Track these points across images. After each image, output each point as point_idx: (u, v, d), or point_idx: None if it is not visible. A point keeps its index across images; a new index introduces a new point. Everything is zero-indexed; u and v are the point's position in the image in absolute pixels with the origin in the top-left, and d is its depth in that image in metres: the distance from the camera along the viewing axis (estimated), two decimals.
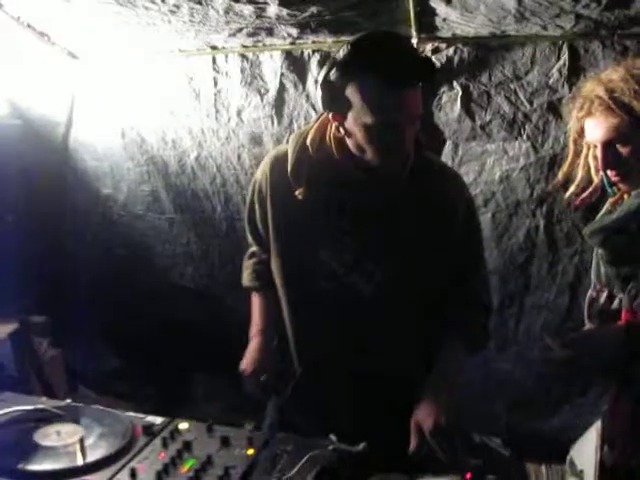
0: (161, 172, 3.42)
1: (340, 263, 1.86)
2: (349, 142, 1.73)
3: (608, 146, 1.67)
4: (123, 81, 3.27)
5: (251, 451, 1.72)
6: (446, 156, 2.96)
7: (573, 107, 1.76)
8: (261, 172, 1.97)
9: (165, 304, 3.65)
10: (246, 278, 2.20)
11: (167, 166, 3.40)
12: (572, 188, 1.88)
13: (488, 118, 2.86)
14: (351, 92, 1.62)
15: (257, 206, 1.99)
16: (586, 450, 2.30)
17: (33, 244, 3.56)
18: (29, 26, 2.81)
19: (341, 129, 1.71)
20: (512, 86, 2.79)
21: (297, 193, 1.80)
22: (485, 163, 2.94)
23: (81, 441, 1.75)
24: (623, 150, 1.66)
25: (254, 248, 2.14)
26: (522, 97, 2.78)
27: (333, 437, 1.72)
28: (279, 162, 1.90)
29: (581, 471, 2.25)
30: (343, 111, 1.67)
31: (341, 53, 1.63)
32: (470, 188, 2.87)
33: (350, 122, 1.67)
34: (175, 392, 3.71)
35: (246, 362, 2.06)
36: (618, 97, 1.61)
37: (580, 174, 1.85)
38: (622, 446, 1.89)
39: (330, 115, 1.72)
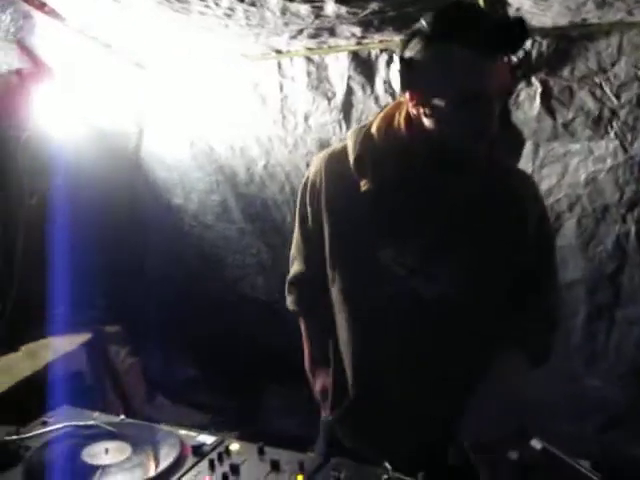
0: (230, 181, 3.40)
1: (402, 265, 1.72)
2: (427, 122, 1.60)
3: None
4: (189, 89, 3.28)
5: (300, 477, 1.62)
6: (526, 158, 2.80)
7: None
8: (315, 170, 1.83)
9: (238, 315, 3.63)
10: (291, 300, 2.05)
11: (236, 175, 3.38)
12: None
13: (571, 116, 2.70)
14: (435, 64, 1.51)
15: (308, 207, 1.84)
16: None
17: (107, 255, 3.60)
18: (94, 38, 2.82)
19: (420, 108, 1.60)
20: (597, 79, 2.62)
21: (362, 184, 1.68)
22: (569, 164, 2.78)
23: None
24: None
25: (297, 269, 1.99)
26: (608, 91, 2.61)
27: (388, 465, 1.60)
28: (335, 159, 1.79)
29: None
30: (425, 87, 1.55)
31: (422, 24, 1.53)
32: (553, 191, 2.81)
33: (433, 97, 1.56)
34: (250, 404, 3.70)
35: (317, 393, 2.04)
36: None
37: None
38: None
39: (407, 95, 1.59)
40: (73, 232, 3.01)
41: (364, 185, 1.68)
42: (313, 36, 2.67)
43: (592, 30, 2.53)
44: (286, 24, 2.46)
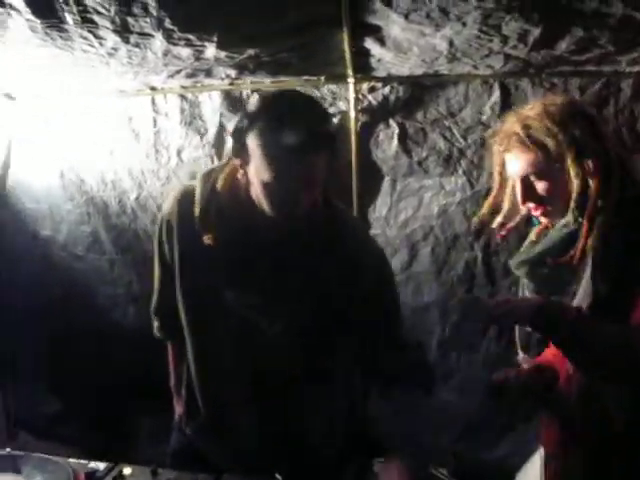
0: (101, 213, 3.38)
1: (244, 305, 1.88)
2: (251, 190, 1.75)
3: (526, 180, 1.73)
4: (62, 122, 3.24)
5: None
6: (384, 192, 3.02)
7: (494, 142, 1.82)
8: (169, 209, 1.96)
9: (107, 346, 3.58)
10: (157, 327, 2.23)
11: (107, 207, 3.36)
12: (499, 218, 1.93)
13: (424, 154, 2.93)
14: (253, 144, 1.64)
15: (165, 244, 1.97)
16: (530, 476, 2.35)
17: None
18: None
19: (245, 177, 1.74)
20: (447, 123, 2.87)
21: (205, 238, 1.80)
22: (423, 198, 2.99)
23: None
24: (540, 184, 1.72)
25: (157, 299, 2.15)
26: (457, 133, 2.87)
27: (279, 477, 1.73)
28: (186, 201, 1.90)
29: None
30: (247, 160, 1.69)
31: (251, 105, 1.68)
32: (409, 223, 3.00)
33: (251, 172, 1.70)
34: (119, 435, 3.64)
35: (178, 412, 2.22)
36: (533, 133, 1.67)
37: (507, 205, 1.91)
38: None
39: (237, 162, 1.74)
40: None
41: (207, 239, 1.80)
42: (190, 76, 2.75)
43: (443, 80, 2.77)
44: (166, 65, 2.53)
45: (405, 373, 1.95)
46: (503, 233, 1.95)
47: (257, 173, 1.67)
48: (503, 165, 1.83)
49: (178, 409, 2.23)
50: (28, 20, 2.15)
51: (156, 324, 2.22)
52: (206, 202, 1.82)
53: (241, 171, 1.74)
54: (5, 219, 3.53)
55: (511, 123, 1.75)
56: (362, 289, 1.88)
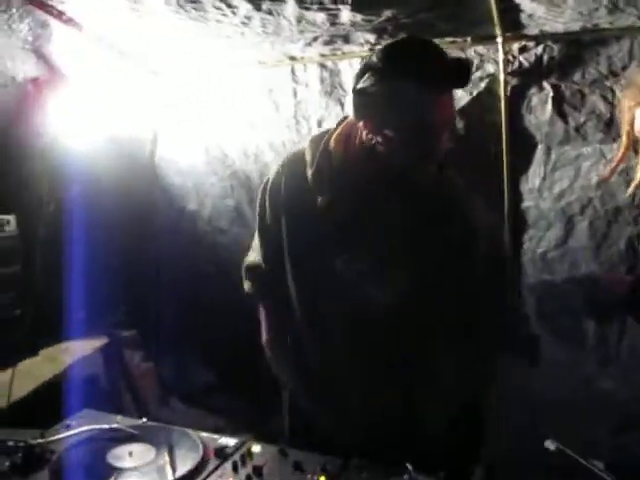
0: (244, 186, 3.43)
1: (354, 271, 1.80)
2: (380, 149, 1.69)
3: None
4: (204, 96, 3.31)
5: (323, 478, 1.66)
6: (538, 161, 2.84)
7: (625, 97, 1.70)
8: (276, 173, 1.94)
9: (251, 318, 3.63)
10: (251, 288, 2.18)
11: (250, 180, 3.40)
12: (631, 188, 1.95)
13: (583, 119, 2.73)
14: (385, 97, 1.60)
15: (268, 208, 1.95)
16: None
17: (124, 261, 3.64)
18: (111, 46, 2.86)
19: (373, 136, 1.68)
20: (608, 83, 2.64)
21: (319, 201, 1.78)
22: (580, 167, 2.79)
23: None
24: None
25: (256, 259, 2.10)
26: (620, 95, 2.61)
27: (409, 466, 1.63)
28: (294, 165, 1.88)
29: None
30: (377, 117, 1.64)
31: (373, 59, 1.63)
32: (565, 194, 2.82)
33: (384, 127, 1.64)
34: (265, 405, 3.70)
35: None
36: None
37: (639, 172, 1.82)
38: None
39: (362, 123, 1.68)
40: (90, 238, 3.04)
41: (321, 201, 1.77)
42: (327, 43, 2.71)
43: (603, 35, 2.56)
44: (301, 32, 2.49)
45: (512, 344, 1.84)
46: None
47: (393, 123, 1.62)
48: (632, 123, 1.68)
49: (275, 368, 2.22)
50: None
51: (248, 283, 2.19)
52: (319, 162, 1.79)
53: (365, 131, 1.68)
54: (155, 194, 3.66)
55: None
56: (476, 262, 1.82)
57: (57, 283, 2.96)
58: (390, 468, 1.67)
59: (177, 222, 3.68)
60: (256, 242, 2.09)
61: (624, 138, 1.79)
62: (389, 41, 1.65)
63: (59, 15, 2.54)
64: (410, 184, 1.74)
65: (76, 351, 3.23)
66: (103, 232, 3.25)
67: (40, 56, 2.78)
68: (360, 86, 1.65)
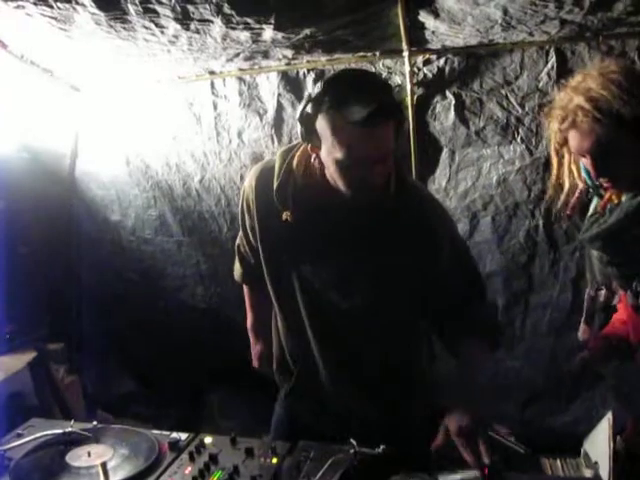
0: (167, 196, 3.50)
1: (319, 280, 1.93)
2: (326, 172, 1.78)
3: (599, 155, 1.63)
4: (125, 110, 3.35)
5: (275, 460, 1.78)
6: (443, 163, 3.04)
7: (551, 119, 1.73)
8: (248, 185, 2.01)
9: (178, 325, 3.70)
10: (237, 273, 2.30)
11: (172, 190, 3.47)
12: (562, 197, 1.87)
13: (482, 124, 2.94)
14: (322, 127, 1.66)
15: (246, 215, 2.04)
16: (599, 442, 2.36)
17: (46, 274, 3.63)
18: (32, 63, 2.89)
19: (318, 160, 1.77)
20: (503, 91, 2.86)
21: (283, 215, 1.85)
22: (482, 168, 3.01)
23: (103, 464, 1.79)
24: (613, 157, 1.62)
25: (244, 247, 2.19)
26: (513, 101, 2.86)
27: (353, 441, 1.77)
28: (265, 177, 1.93)
29: (595, 462, 2.31)
30: (317, 144, 1.71)
31: (315, 89, 1.68)
32: (469, 193, 3.01)
33: (323, 155, 1.72)
34: (192, 411, 3.75)
35: (254, 357, 2.30)
36: (603, 106, 1.56)
37: (567, 183, 1.85)
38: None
39: (309, 146, 1.77)
40: (11, 252, 3.04)
41: (285, 216, 1.84)
42: (248, 59, 2.82)
43: (498, 49, 2.77)
44: (225, 49, 2.60)
45: (474, 326, 1.95)
46: (569, 212, 1.89)
47: (329, 153, 1.68)
48: (563, 143, 1.75)
49: (254, 350, 2.32)
50: (93, 14, 2.26)
51: (238, 269, 2.29)
52: (283, 179, 1.86)
53: (313, 154, 1.77)
54: (76, 207, 3.68)
55: (569, 98, 1.64)
56: (439, 260, 1.89)
57: None
58: (336, 445, 1.79)
59: (100, 233, 3.70)
60: (241, 234, 2.18)
61: (554, 156, 1.84)
62: (334, 72, 1.72)
63: None
64: (361, 203, 1.79)
65: (5, 366, 3.20)
66: (24, 246, 3.26)
67: None
68: (300, 113, 1.71)
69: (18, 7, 2.26)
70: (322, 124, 1.66)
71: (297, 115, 1.74)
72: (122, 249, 3.70)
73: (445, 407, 1.86)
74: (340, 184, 1.74)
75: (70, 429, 2.03)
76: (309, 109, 1.69)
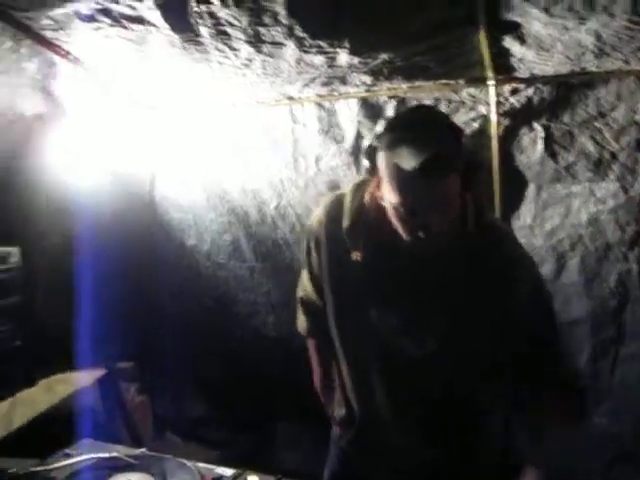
0: (242, 222, 3.48)
1: (389, 326, 1.79)
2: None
3: None
4: (203, 133, 3.38)
5: None
6: (529, 199, 2.88)
7: None
8: (317, 221, 1.90)
9: (249, 352, 3.66)
10: (302, 326, 2.18)
11: (248, 216, 3.45)
12: None
13: (572, 159, 2.77)
14: (380, 166, 1.56)
15: (313, 253, 1.93)
16: None
17: (121, 293, 3.67)
18: (112, 83, 2.94)
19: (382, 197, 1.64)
20: (597, 124, 2.70)
21: (353, 255, 1.74)
22: (571, 205, 2.83)
23: None
24: None
25: (309, 292, 2.07)
26: (608, 136, 2.68)
27: None
28: (335, 213, 1.83)
29: None
30: (379, 180, 1.60)
31: (382, 126, 1.58)
32: (556, 232, 2.85)
33: (384, 193, 1.59)
34: (260, 440, 3.71)
35: (334, 423, 2.12)
36: None
37: None
38: None
39: (374, 181, 1.66)
40: (92, 271, 3.08)
41: (356, 257, 1.73)
42: (325, 84, 2.77)
43: (591, 78, 2.61)
44: (300, 73, 2.56)
45: (559, 400, 1.76)
46: None
47: (387, 194, 1.56)
48: None
49: (329, 412, 2.16)
50: (167, 35, 2.26)
51: (302, 321, 2.17)
52: (354, 216, 1.76)
53: (378, 192, 1.64)
54: (155, 230, 3.71)
55: None
56: (516, 310, 1.71)
57: (57, 315, 3.00)
58: None
59: (176, 257, 3.71)
60: (304, 278, 2.07)
61: None
62: (407, 107, 1.61)
63: (66, 55, 2.62)
64: (429, 245, 1.62)
65: (74, 382, 3.25)
66: (104, 265, 3.29)
67: (46, 93, 2.85)
68: (368, 144, 1.62)
69: (96, 29, 2.30)
70: (380, 163, 1.55)
71: (364, 149, 1.65)
72: (198, 274, 3.69)
73: (520, 463, 1.71)
74: (399, 229, 1.61)
75: (116, 454, 2.02)
76: (374, 142, 1.59)
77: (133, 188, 3.59)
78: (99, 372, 3.46)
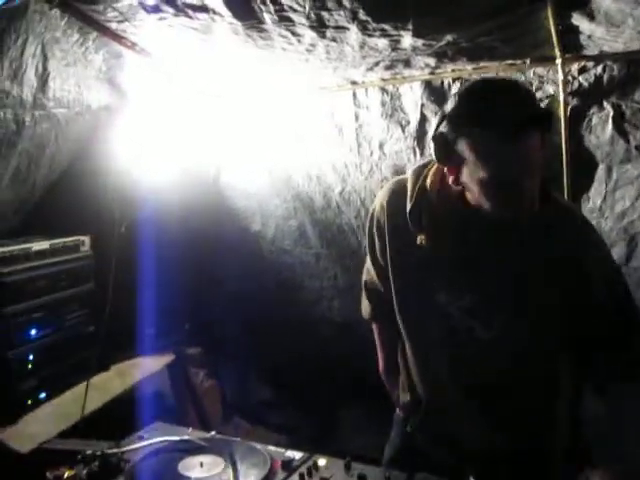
0: (307, 208, 3.50)
1: (457, 308, 1.77)
2: (467, 195, 1.63)
3: None
4: (266, 120, 3.41)
5: None
6: (599, 180, 2.80)
7: None
8: (379, 206, 1.90)
9: (314, 337, 3.69)
10: (365, 310, 2.20)
11: (313, 201, 3.47)
12: None
13: None
14: (463, 146, 1.53)
15: (377, 239, 1.93)
16: None
17: (190, 279, 3.75)
18: (177, 72, 2.99)
19: (455, 181, 1.62)
20: None
21: (418, 239, 1.73)
22: None
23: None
24: None
25: (373, 277, 2.08)
26: None
27: (472, 478, 1.66)
28: (397, 198, 1.82)
29: None
30: (457, 165, 1.58)
31: (450, 105, 1.57)
32: (627, 213, 2.75)
33: (465, 176, 1.58)
34: (325, 424, 3.74)
35: (398, 406, 2.14)
36: None
37: None
38: None
39: (445, 169, 1.63)
40: (158, 258, 3.16)
41: (420, 240, 1.72)
42: (389, 67, 2.75)
43: None
44: (364, 57, 2.54)
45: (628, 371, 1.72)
46: None
47: (473, 174, 1.54)
48: None
49: (394, 397, 2.16)
50: (230, 23, 2.28)
51: (366, 306, 2.20)
52: (417, 199, 1.74)
53: (450, 177, 1.63)
54: (221, 216, 3.77)
55: None
56: (587, 296, 1.68)
57: (128, 301, 3.09)
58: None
59: (241, 242, 3.77)
60: (368, 263, 2.08)
61: None
62: (464, 86, 1.59)
63: (132, 46, 2.66)
64: (504, 225, 1.63)
65: (145, 367, 3.35)
66: (170, 252, 3.37)
67: (112, 85, 2.92)
68: (435, 132, 1.60)
69: (161, 19, 2.33)
70: (464, 145, 1.53)
71: (431, 134, 1.62)
72: (262, 259, 3.74)
73: (590, 457, 1.68)
74: (486, 204, 1.58)
75: (187, 437, 2.06)
76: (445, 128, 1.57)
77: (199, 177, 3.65)
78: (169, 358, 3.55)
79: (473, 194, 1.60)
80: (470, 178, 1.56)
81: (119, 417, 2.54)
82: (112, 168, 3.00)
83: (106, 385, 3.03)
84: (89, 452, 1.93)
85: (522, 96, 1.54)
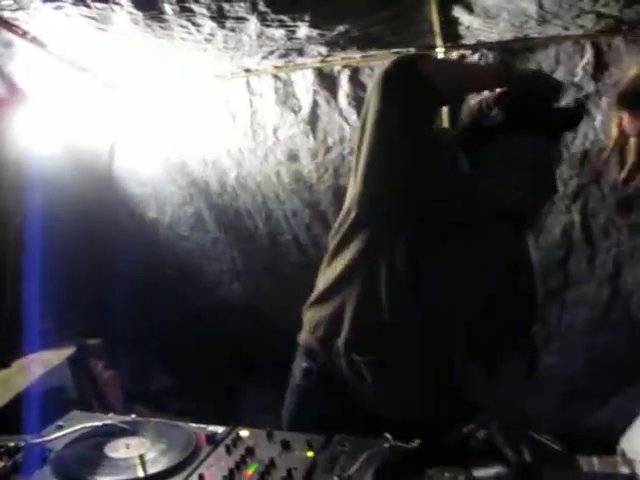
0: (203, 193, 3.53)
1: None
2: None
3: None
4: (162, 108, 3.41)
5: (311, 453, 1.79)
6: None
7: (615, 99, 1.87)
8: None
9: (214, 320, 3.73)
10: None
11: (209, 187, 3.51)
12: (623, 174, 2.07)
13: None
14: (498, 154, 1.66)
15: None
16: (637, 439, 2.33)
17: (85, 270, 3.69)
18: (71, 63, 2.94)
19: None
20: None
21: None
22: None
23: (141, 456, 1.81)
24: None
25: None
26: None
27: (388, 435, 1.78)
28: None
29: (632, 460, 2.29)
30: (486, 170, 1.69)
31: (485, 114, 1.66)
32: None
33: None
34: (227, 406, 3.79)
35: None
36: None
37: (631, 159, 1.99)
38: None
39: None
40: (52, 249, 3.09)
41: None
42: (283, 56, 2.84)
43: (532, 43, 2.75)
44: (260, 46, 2.63)
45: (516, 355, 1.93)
46: (630, 191, 1.94)
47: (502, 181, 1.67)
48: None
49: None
50: (130, 13, 2.30)
51: None
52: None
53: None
54: (114, 203, 3.74)
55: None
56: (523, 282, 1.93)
57: (25, 295, 3.03)
58: (371, 439, 1.80)
59: (138, 230, 3.75)
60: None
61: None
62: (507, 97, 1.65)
63: (23, 34, 2.60)
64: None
65: (46, 361, 3.28)
66: (64, 243, 3.31)
67: (2, 74, 2.84)
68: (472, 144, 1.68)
69: (57, 8, 2.31)
70: (495, 154, 1.65)
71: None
72: (159, 246, 3.74)
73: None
74: (501, 203, 1.72)
75: (109, 421, 2.08)
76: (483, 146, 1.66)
77: (91, 163, 3.58)
78: (69, 350, 3.50)
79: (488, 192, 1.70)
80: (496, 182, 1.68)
81: (23, 413, 2.50)
82: (5, 158, 2.92)
83: (10, 381, 2.97)
84: (12, 444, 1.92)
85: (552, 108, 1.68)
